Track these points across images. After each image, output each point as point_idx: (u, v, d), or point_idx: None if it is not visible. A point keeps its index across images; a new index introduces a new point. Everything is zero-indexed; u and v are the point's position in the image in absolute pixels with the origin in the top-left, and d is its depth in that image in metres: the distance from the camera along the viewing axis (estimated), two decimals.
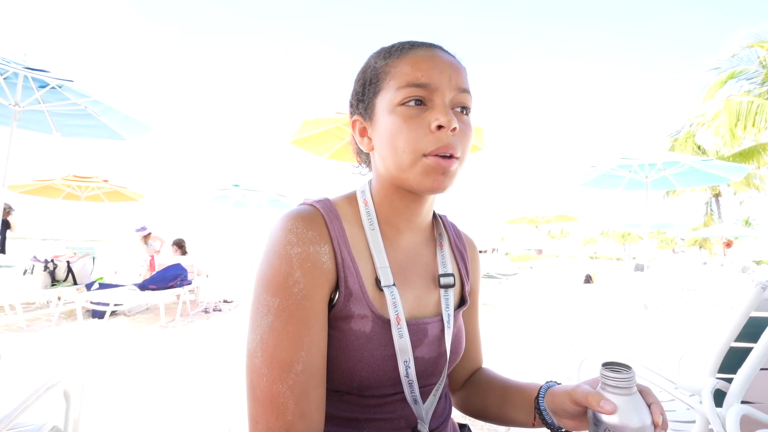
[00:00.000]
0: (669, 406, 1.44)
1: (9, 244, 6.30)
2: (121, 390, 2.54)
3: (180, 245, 6.71)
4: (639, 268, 11.10)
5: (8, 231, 6.33)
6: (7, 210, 6.32)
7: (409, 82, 0.55)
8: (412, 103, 0.55)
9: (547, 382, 0.62)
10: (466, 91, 0.57)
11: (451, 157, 0.55)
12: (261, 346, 0.51)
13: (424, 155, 0.54)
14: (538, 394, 0.61)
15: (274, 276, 0.52)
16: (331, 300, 0.56)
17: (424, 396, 0.61)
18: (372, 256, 0.60)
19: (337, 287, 0.56)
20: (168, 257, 6.26)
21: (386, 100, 0.57)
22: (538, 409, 0.60)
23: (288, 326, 0.51)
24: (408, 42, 0.61)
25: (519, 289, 7.97)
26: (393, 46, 0.61)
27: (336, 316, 0.56)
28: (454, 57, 0.60)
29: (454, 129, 0.54)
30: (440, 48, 0.60)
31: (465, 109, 0.58)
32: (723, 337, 1.17)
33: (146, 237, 6.59)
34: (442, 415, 0.65)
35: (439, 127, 0.53)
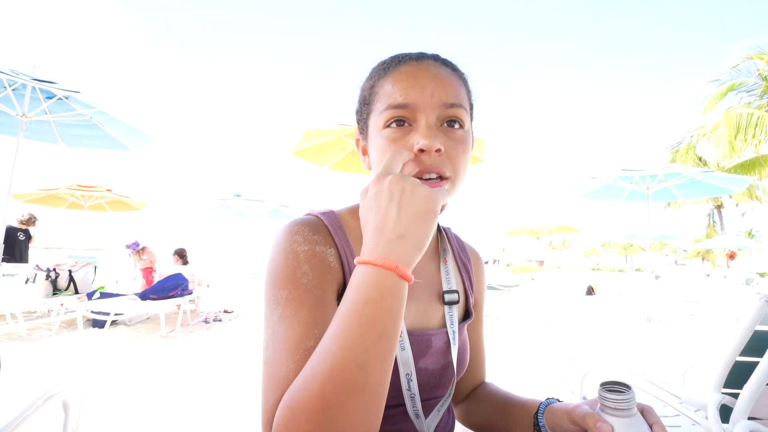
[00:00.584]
0: (674, 422, 1.42)
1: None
2: (120, 400, 2.52)
3: (181, 255, 6.71)
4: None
5: (30, 242, 6.41)
6: (32, 220, 6.44)
7: (390, 104, 0.54)
8: (394, 125, 0.54)
9: (547, 399, 0.61)
10: (454, 105, 0.54)
11: (439, 178, 0.53)
12: (272, 337, 0.49)
13: None
14: (538, 410, 0.60)
15: (281, 271, 0.52)
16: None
17: (428, 410, 0.60)
18: None
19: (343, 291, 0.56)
20: (169, 267, 6.26)
21: (375, 121, 0.57)
22: (536, 425, 0.59)
23: (299, 313, 0.49)
24: (398, 56, 0.59)
25: (520, 300, 7.92)
26: (384, 61, 0.60)
27: None
28: (446, 67, 0.57)
29: (438, 150, 0.51)
30: (430, 59, 0.57)
31: (456, 122, 0.55)
32: (728, 351, 1.16)
33: (139, 252, 6.60)
34: (444, 430, 0.65)
35: (421, 150, 0.51)
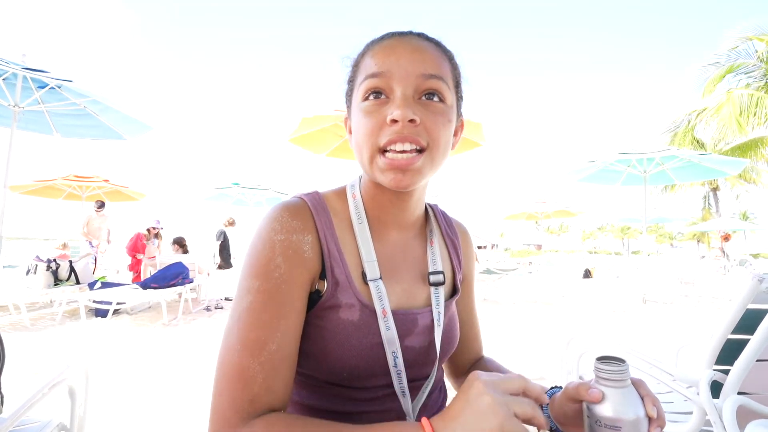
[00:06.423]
0: (667, 398, 1.47)
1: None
2: (125, 387, 2.57)
3: (181, 244, 6.71)
4: None
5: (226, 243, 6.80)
6: (234, 222, 6.90)
7: (366, 75, 0.55)
8: (371, 98, 0.54)
9: (551, 388, 0.59)
10: (433, 76, 0.53)
11: (418, 151, 0.53)
12: (237, 325, 0.51)
13: (380, 150, 0.53)
14: None
15: (257, 260, 0.53)
16: (318, 291, 0.56)
17: (414, 392, 0.61)
18: (359, 250, 0.60)
19: (323, 277, 0.56)
20: (169, 256, 6.27)
21: (356, 96, 0.57)
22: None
23: (267, 307, 0.51)
24: (382, 34, 0.59)
25: (518, 284, 7.99)
26: (370, 40, 0.60)
27: (324, 305, 0.55)
28: (428, 41, 0.57)
29: (412, 121, 0.51)
30: (412, 35, 0.57)
31: (435, 95, 0.54)
32: (720, 329, 1.19)
33: (156, 235, 6.59)
34: (434, 407, 0.65)
35: (394, 121, 0.51)
